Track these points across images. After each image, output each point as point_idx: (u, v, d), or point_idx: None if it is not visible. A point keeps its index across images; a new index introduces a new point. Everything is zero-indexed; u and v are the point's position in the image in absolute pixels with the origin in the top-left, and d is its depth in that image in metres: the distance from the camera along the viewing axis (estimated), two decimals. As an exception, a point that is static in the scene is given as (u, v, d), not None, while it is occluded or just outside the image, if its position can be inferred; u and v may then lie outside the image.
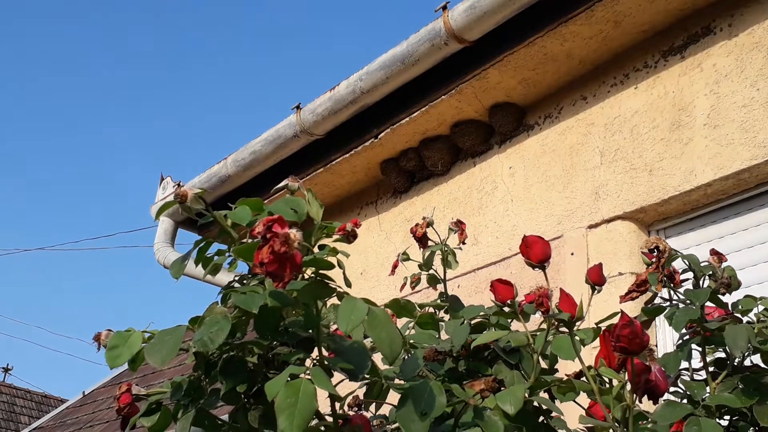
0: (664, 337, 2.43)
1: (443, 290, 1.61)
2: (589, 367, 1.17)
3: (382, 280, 3.29)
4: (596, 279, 1.27)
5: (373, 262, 3.36)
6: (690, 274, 1.32)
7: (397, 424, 1.03)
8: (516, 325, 1.32)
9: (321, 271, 0.97)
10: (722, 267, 1.30)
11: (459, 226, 1.71)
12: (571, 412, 1.22)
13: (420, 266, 1.68)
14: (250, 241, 1.02)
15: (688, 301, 1.27)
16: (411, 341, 1.36)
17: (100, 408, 5.90)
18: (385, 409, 1.30)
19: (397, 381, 1.17)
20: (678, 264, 1.31)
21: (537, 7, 2.57)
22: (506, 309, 1.28)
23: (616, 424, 1.10)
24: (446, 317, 1.48)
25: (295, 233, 0.88)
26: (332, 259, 1.02)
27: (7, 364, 15.88)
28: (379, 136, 3.17)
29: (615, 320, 1.12)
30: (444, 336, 1.39)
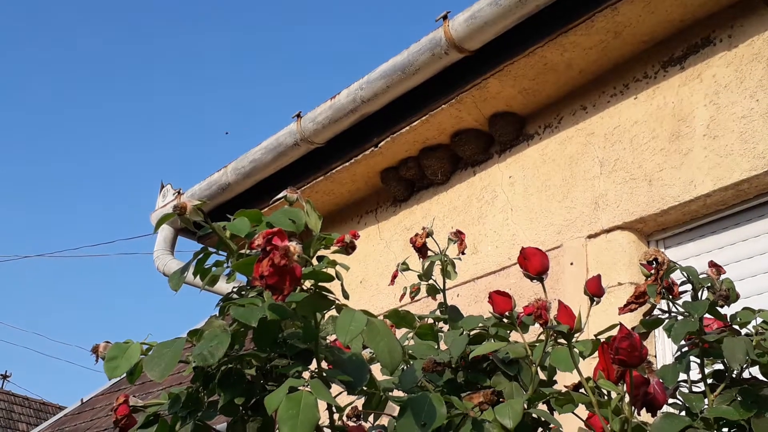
0: (663, 348, 2.43)
1: (443, 300, 1.61)
2: (588, 379, 1.17)
3: (381, 288, 3.29)
4: (595, 290, 1.28)
5: (372, 270, 3.36)
6: (689, 286, 1.32)
7: (396, 436, 1.03)
8: (515, 336, 1.32)
9: (320, 284, 0.98)
10: (721, 279, 1.30)
11: (458, 237, 1.72)
12: (570, 424, 1.22)
13: (419, 276, 1.68)
14: (248, 251, 1.02)
15: (686, 313, 1.27)
16: (410, 352, 1.36)
17: (98, 416, 5.89)
18: (383, 420, 1.30)
19: (395, 392, 1.17)
20: (676, 275, 1.32)
21: (537, 17, 2.58)
22: (505, 320, 1.29)
23: (615, 436, 1.09)
24: (446, 328, 1.49)
25: (294, 246, 0.89)
26: (330, 271, 1.02)
27: (6, 371, 15.84)
28: (379, 145, 3.18)
29: (614, 332, 1.12)
30: (443, 346, 1.40)
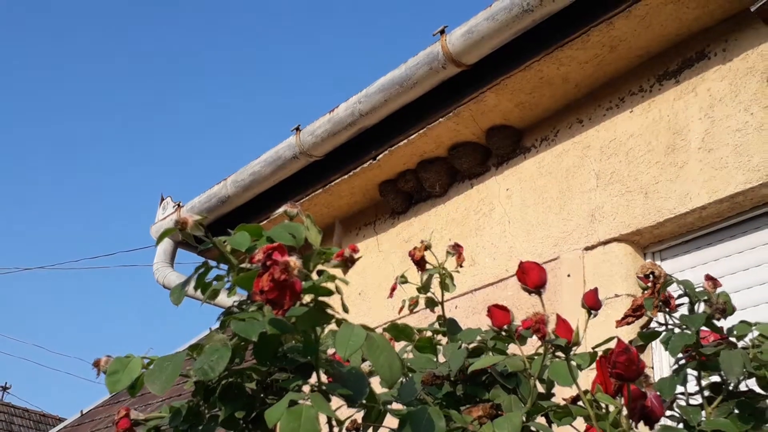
0: (660, 361, 2.44)
1: (441, 313, 1.62)
2: (586, 392, 1.18)
3: (380, 300, 3.29)
4: (592, 304, 1.29)
5: (371, 282, 3.37)
6: (685, 299, 1.33)
7: (395, 449, 1.04)
8: (513, 349, 1.33)
9: (320, 298, 0.98)
10: (717, 292, 1.31)
11: (456, 250, 1.73)
12: (568, 436, 1.23)
13: (418, 289, 1.69)
14: (249, 265, 1.03)
15: (683, 326, 1.28)
16: (409, 365, 1.37)
17: (98, 427, 5.87)
18: (382, 433, 1.30)
19: (394, 405, 1.18)
20: (673, 288, 1.33)
21: (533, 31, 2.61)
22: (503, 334, 1.29)
23: (613, 449, 1.10)
24: (444, 340, 1.49)
25: (295, 261, 0.90)
26: (330, 285, 1.03)
27: (6, 383, 15.79)
28: (378, 158, 3.19)
29: (611, 344, 1.13)
30: (442, 359, 1.40)
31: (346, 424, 1.23)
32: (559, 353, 1.21)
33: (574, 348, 1.20)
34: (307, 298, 0.99)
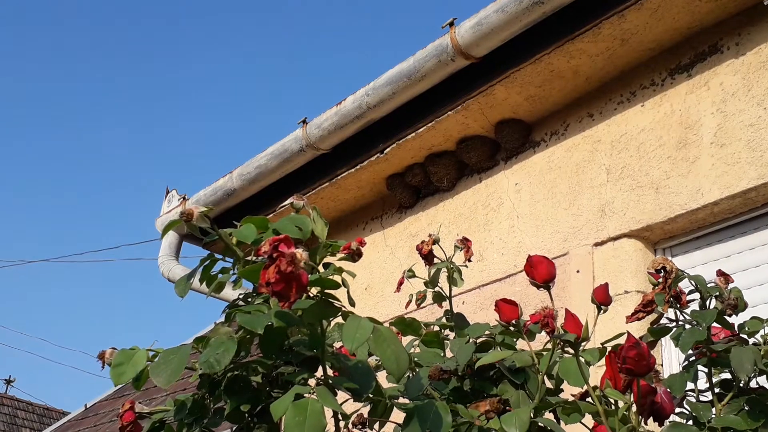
0: (670, 357, 2.42)
1: (448, 307, 1.61)
2: (595, 388, 1.17)
3: (386, 295, 3.28)
4: (602, 299, 1.27)
5: (377, 277, 3.36)
6: (696, 295, 1.32)
7: (401, 444, 1.02)
8: (521, 344, 1.32)
9: (326, 291, 0.98)
10: (729, 288, 1.30)
11: (465, 244, 1.72)
12: (577, 433, 1.21)
13: (425, 283, 1.68)
14: (255, 258, 1.02)
15: (694, 322, 1.27)
16: (416, 359, 1.36)
17: (102, 421, 5.89)
18: (389, 427, 1.29)
19: (401, 399, 1.17)
20: (684, 284, 1.31)
21: (544, 24, 2.58)
22: (511, 328, 1.28)
23: (622, 446, 1.09)
24: (452, 335, 1.48)
25: (301, 253, 0.89)
26: (337, 278, 1.02)
27: (10, 376, 15.87)
28: (385, 152, 3.18)
29: (621, 340, 1.12)
30: (449, 354, 1.39)
31: (353, 418, 1.23)
32: (568, 349, 1.20)
33: (583, 343, 1.19)
34: (313, 291, 0.98)
